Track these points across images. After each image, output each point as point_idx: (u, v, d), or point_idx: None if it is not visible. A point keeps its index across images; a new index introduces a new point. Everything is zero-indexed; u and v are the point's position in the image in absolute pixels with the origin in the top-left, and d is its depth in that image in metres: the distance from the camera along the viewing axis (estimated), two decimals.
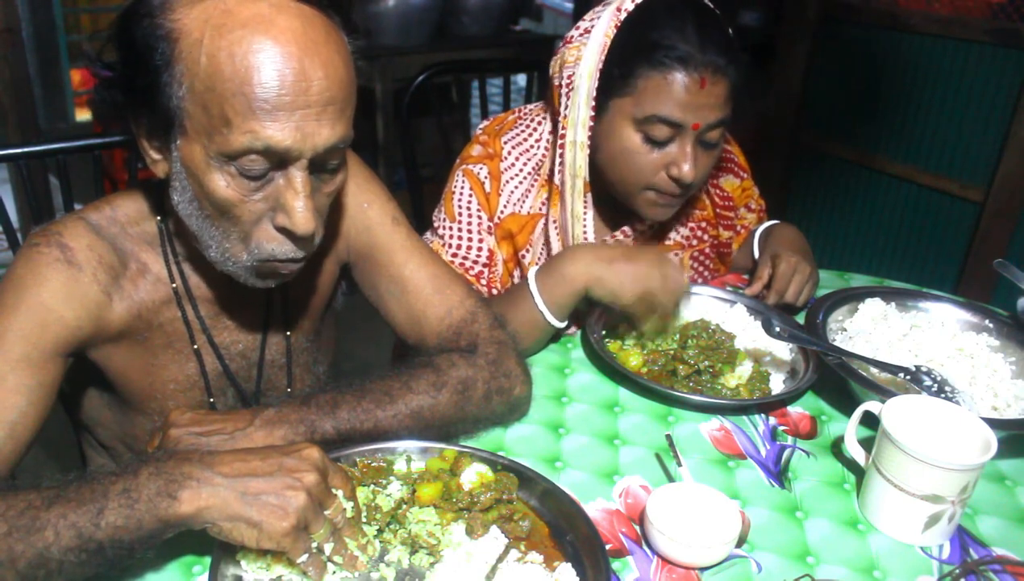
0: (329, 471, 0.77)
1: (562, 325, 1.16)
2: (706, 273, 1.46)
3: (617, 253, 1.13)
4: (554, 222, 1.28)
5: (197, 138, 0.80)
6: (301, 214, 0.82)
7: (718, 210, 1.44)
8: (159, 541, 0.72)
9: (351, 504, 0.80)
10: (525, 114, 1.37)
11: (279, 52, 0.77)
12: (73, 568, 0.70)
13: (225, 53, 0.76)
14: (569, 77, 1.21)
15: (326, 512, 0.75)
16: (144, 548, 0.71)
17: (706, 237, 1.43)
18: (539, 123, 1.35)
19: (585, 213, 1.26)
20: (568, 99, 1.22)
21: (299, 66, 0.77)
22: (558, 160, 1.25)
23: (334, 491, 0.78)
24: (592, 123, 1.21)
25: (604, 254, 1.13)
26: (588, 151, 1.22)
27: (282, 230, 0.85)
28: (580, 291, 1.12)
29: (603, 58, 1.18)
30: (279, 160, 0.81)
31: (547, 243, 1.31)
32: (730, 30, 1.18)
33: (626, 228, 1.34)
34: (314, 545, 0.75)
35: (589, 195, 1.26)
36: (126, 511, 0.69)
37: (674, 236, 1.40)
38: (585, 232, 1.27)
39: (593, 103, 1.19)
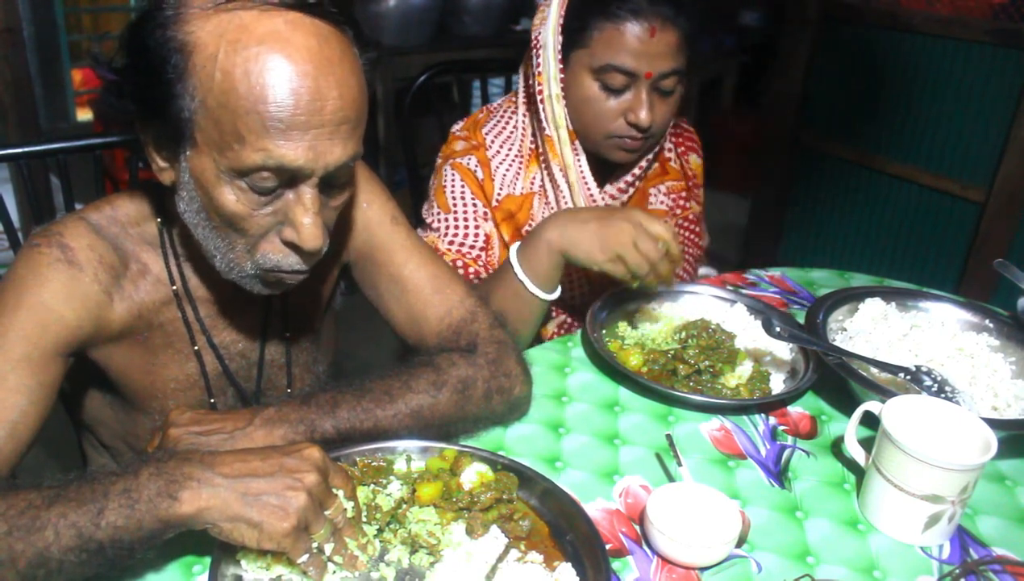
0: (330, 471, 0.77)
1: (548, 296, 1.19)
2: (694, 237, 1.51)
3: (593, 215, 1.16)
4: (560, 169, 1.33)
5: (208, 151, 0.79)
6: (309, 230, 0.83)
7: (689, 184, 1.51)
8: (159, 541, 0.72)
9: (351, 504, 0.80)
10: (495, 108, 1.43)
11: (295, 71, 0.76)
12: (73, 568, 0.69)
13: (240, 70, 0.76)
14: (536, 38, 1.28)
15: (327, 512, 0.75)
16: (144, 548, 0.71)
17: (686, 205, 1.49)
18: (512, 112, 1.40)
19: (577, 160, 1.31)
20: (539, 57, 1.28)
21: (314, 85, 0.77)
22: (543, 115, 1.30)
23: (335, 491, 0.78)
24: (562, 76, 1.27)
25: (580, 216, 1.16)
26: (564, 102, 1.28)
27: (289, 244, 0.85)
28: (557, 255, 1.16)
29: (563, 13, 1.25)
30: (290, 177, 0.81)
31: (557, 193, 1.34)
32: None
33: (619, 183, 1.37)
34: (315, 545, 0.75)
35: (577, 143, 1.31)
36: (126, 511, 0.69)
37: (659, 206, 1.45)
38: (583, 175, 1.32)
39: (560, 56, 1.26)
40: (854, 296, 1.26)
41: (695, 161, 1.53)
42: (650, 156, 1.36)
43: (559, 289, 1.21)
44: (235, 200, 0.81)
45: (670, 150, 1.48)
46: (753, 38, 4.54)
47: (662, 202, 1.45)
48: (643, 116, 1.23)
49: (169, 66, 0.77)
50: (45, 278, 0.86)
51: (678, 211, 1.48)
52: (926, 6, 2.53)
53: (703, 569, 0.82)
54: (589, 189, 1.32)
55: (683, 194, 1.48)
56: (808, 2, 2.80)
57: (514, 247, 1.20)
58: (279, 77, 0.76)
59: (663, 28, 1.19)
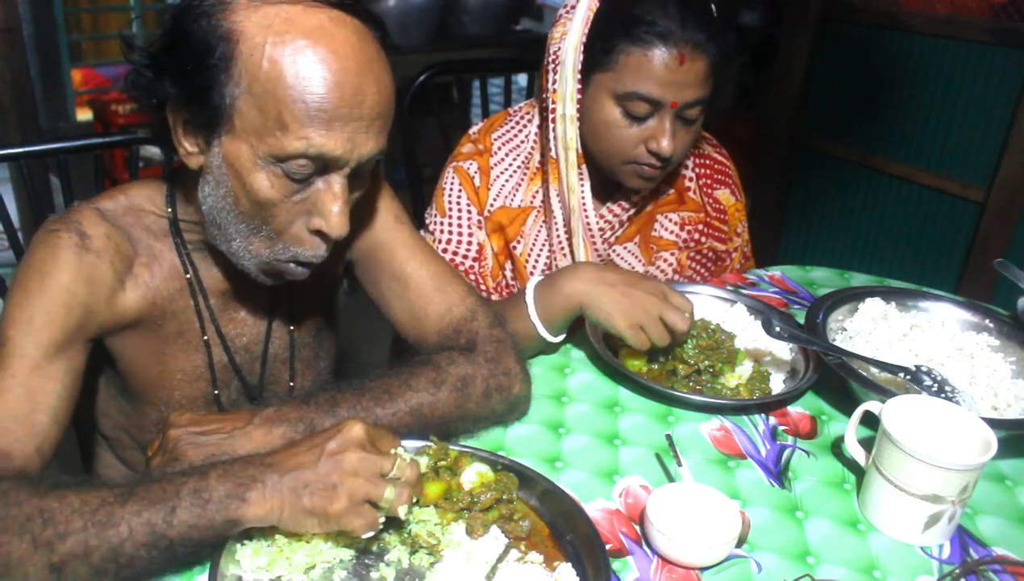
0: (376, 438, 0.79)
1: (556, 340, 1.15)
2: (705, 273, 1.46)
3: (620, 279, 1.10)
4: (556, 195, 1.30)
5: (245, 137, 0.82)
6: (338, 218, 0.86)
7: (709, 219, 1.44)
8: (222, 538, 0.74)
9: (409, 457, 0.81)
10: (515, 112, 1.39)
11: (340, 66, 0.80)
12: (142, 564, 0.72)
13: (288, 60, 0.79)
14: (555, 53, 1.23)
15: (389, 475, 0.77)
16: (210, 545, 0.74)
17: (703, 239, 1.44)
18: (529, 120, 1.37)
19: (582, 185, 1.28)
20: (556, 74, 1.24)
21: (357, 81, 0.81)
22: (551, 134, 1.26)
23: (393, 451, 0.79)
24: (580, 96, 1.23)
25: (606, 278, 1.11)
26: (578, 124, 1.24)
27: (316, 232, 0.88)
28: (575, 309, 1.12)
29: (586, 31, 1.20)
30: (324, 166, 0.84)
31: (549, 217, 1.32)
32: (713, 8, 1.19)
33: (622, 202, 1.34)
34: (382, 521, 0.77)
35: (584, 167, 1.27)
36: (198, 510, 0.72)
37: (667, 235, 1.40)
38: (584, 202, 1.29)
39: (579, 76, 1.21)
40: (854, 296, 1.26)
41: (726, 198, 1.46)
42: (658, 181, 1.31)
43: (565, 333, 1.18)
44: (269, 186, 0.84)
45: (690, 180, 1.42)
46: (753, 38, 4.54)
47: (671, 231, 1.40)
48: (665, 145, 1.18)
49: (215, 53, 0.80)
50: (65, 261, 0.88)
51: (692, 244, 1.42)
52: (926, 6, 2.53)
53: (703, 569, 0.82)
54: (587, 216, 1.29)
55: (699, 228, 1.42)
56: (808, 2, 2.80)
57: (531, 284, 1.15)
58: (325, 70, 0.79)
59: (692, 56, 1.14)
